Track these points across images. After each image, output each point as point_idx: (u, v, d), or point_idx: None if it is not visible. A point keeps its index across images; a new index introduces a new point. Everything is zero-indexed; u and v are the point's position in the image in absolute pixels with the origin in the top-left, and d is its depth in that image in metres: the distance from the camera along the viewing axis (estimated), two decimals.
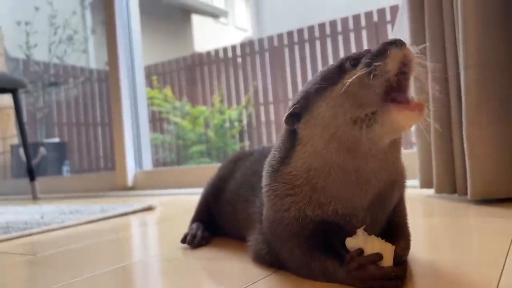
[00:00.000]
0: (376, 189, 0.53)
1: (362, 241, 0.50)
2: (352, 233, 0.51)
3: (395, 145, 0.53)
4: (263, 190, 0.59)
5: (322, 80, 0.53)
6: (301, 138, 0.54)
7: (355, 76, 0.48)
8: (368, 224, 0.53)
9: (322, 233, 0.54)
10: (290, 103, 0.57)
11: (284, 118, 0.55)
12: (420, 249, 0.63)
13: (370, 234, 0.51)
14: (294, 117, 0.55)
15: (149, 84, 3.97)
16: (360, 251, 0.49)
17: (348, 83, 0.48)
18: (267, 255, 0.60)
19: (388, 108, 0.47)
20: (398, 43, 0.48)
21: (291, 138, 0.56)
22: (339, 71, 0.52)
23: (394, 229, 0.57)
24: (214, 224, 0.85)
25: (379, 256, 0.48)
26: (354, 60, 0.51)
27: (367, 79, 0.48)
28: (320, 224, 0.54)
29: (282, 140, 0.58)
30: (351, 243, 0.51)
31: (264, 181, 0.59)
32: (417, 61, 0.50)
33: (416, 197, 1.22)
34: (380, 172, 0.52)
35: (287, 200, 0.55)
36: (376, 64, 0.48)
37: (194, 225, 0.84)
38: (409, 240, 0.58)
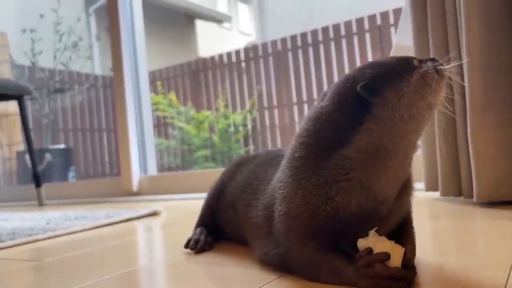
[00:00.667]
0: (403, 180, 0.56)
1: (372, 242, 0.50)
2: (365, 235, 0.51)
3: None
4: (287, 184, 0.55)
5: (396, 65, 0.55)
6: (374, 115, 0.52)
7: (432, 67, 0.56)
8: (390, 219, 0.55)
9: (335, 234, 0.53)
10: (357, 73, 0.58)
11: (359, 87, 0.53)
12: (426, 252, 0.63)
13: (385, 233, 0.51)
14: (368, 90, 0.52)
15: (154, 89, 3.99)
16: (369, 250, 0.49)
17: (428, 73, 0.55)
18: (274, 256, 0.59)
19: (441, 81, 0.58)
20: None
21: (353, 117, 0.52)
22: (407, 64, 0.55)
23: (402, 233, 0.57)
24: (218, 229, 0.84)
25: (387, 255, 0.48)
26: (418, 61, 0.56)
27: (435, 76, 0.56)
28: (340, 224, 0.52)
29: (328, 122, 0.54)
30: (362, 243, 0.51)
31: (294, 174, 0.55)
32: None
33: (422, 200, 1.21)
34: (409, 164, 0.56)
35: (334, 187, 0.52)
36: (441, 67, 0.57)
37: (198, 230, 0.84)
38: (415, 244, 0.58)
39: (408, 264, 0.50)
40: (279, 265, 0.59)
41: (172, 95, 4.00)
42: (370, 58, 3.25)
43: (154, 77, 4.07)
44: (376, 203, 0.53)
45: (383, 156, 0.52)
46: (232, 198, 0.76)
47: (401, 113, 0.52)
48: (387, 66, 0.55)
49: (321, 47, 3.45)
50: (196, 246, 0.79)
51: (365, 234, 0.51)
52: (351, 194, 0.52)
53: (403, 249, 0.50)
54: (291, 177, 0.55)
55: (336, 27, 3.39)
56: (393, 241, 0.50)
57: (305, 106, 3.55)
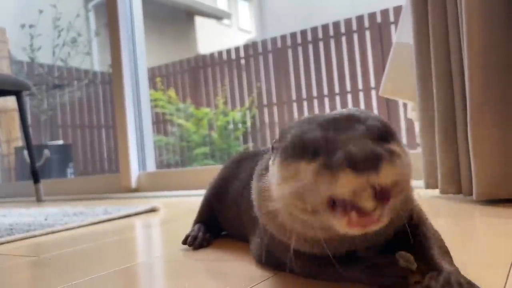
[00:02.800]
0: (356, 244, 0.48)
1: None
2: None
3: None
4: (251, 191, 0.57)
5: (292, 139, 0.45)
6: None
7: (298, 182, 0.41)
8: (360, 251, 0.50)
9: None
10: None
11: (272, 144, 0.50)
12: None
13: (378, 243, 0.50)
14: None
15: (153, 86, 3.98)
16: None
17: (294, 183, 0.42)
18: (270, 260, 0.59)
19: (332, 216, 0.40)
20: (358, 165, 0.37)
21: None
22: (303, 150, 0.42)
23: (415, 228, 0.53)
24: (216, 226, 0.84)
25: (392, 259, 0.47)
26: (315, 153, 0.41)
27: (308, 192, 0.40)
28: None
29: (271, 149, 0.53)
30: None
31: (252, 182, 0.57)
32: (392, 183, 0.39)
33: (421, 198, 1.21)
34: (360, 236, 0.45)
35: (260, 213, 0.53)
36: (317, 183, 0.39)
37: (196, 227, 0.84)
38: (439, 236, 0.55)
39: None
40: (274, 267, 0.59)
41: (172, 92, 4.00)
42: (370, 56, 3.24)
43: (153, 73, 4.06)
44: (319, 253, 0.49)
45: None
46: (233, 195, 0.76)
47: (272, 181, 0.47)
48: (290, 131, 0.46)
49: (321, 44, 3.45)
50: (194, 243, 0.78)
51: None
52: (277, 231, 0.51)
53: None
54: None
55: (336, 25, 3.38)
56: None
57: (305, 104, 3.54)
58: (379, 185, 0.37)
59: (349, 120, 0.43)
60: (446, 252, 0.51)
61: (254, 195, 0.56)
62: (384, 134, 0.42)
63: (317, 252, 0.50)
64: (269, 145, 0.57)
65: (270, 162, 0.50)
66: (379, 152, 0.38)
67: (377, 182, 0.37)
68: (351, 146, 0.38)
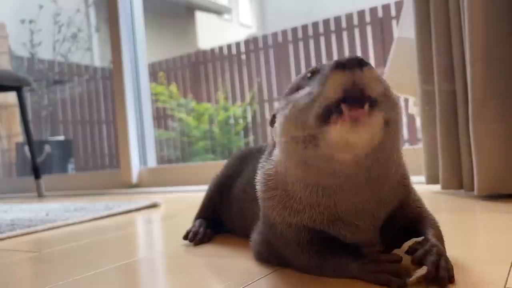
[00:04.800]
0: (356, 203, 0.50)
1: None
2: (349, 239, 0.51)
3: (379, 153, 0.46)
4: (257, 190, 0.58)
5: (289, 89, 0.51)
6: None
7: (295, 99, 0.47)
8: (361, 232, 0.51)
9: (322, 239, 0.52)
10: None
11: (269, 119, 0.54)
12: None
13: (367, 237, 0.51)
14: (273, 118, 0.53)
15: (154, 80, 3.97)
16: (377, 250, 0.50)
17: (289, 105, 0.47)
18: (270, 256, 0.59)
19: (325, 129, 0.43)
20: (344, 65, 0.43)
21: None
22: (299, 82, 0.49)
23: (418, 224, 0.55)
24: (217, 222, 0.84)
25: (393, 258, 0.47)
26: (311, 74, 0.48)
27: (305, 104, 0.45)
28: (315, 232, 0.52)
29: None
30: None
31: (257, 181, 0.58)
32: (373, 82, 0.43)
33: (422, 193, 1.20)
34: (357, 189, 0.49)
35: (268, 204, 0.55)
36: (312, 91, 0.45)
37: (197, 222, 0.84)
38: (438, 226, 0.56)
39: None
40: (276, 264, 0.59)
41: (173, 87, 3.99)
42: (371, 51, 3.23)
43: (154, 69, 4.05)
44: (319, 223, 0.51)
45: (286, 183, 0.52)
46: (236, 192, 0.76)
47: (278, 145, 0.51)
48: (291, 85, 0.52)
49: (322, 39, 3.43)
50: (195, 238, 0.78)
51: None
52: (282, 213, 0.53)
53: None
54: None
55: (338, 20, 3.37)
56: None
57: None
58: (363, 84, 0.42)
59: (342, 58, 0.47)
60: (440, 238, 0.54)
61: (260, 189, 0.56)
62: (368, 66, 0.45)
63: (323, 224, 0.51)
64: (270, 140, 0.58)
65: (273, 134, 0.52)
66: (364, 58, 0.43)
67: (362, 78, 0.42)
68: (342, 58, 0.44)
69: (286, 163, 0.50)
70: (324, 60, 3.41)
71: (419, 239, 0.51)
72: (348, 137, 0.42)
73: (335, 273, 0.51)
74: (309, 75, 0.48)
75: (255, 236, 0.63)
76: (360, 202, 0.50)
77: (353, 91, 0.42)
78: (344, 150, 0.44)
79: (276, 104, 0.56)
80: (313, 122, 0.44)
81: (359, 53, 3.25)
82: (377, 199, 0.51)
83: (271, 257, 0.59)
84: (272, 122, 0.53)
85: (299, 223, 0.52)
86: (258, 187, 0.57)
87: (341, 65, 0.43)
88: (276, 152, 0.53)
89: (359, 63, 0.43)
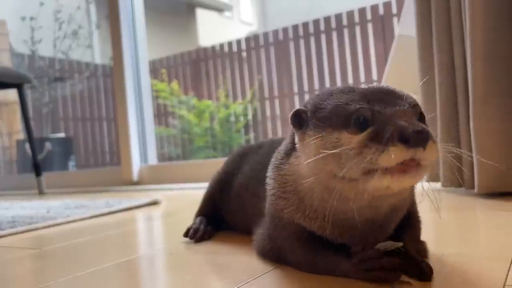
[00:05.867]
0: (369, 221, 0.50)
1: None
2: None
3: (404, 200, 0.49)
4: (266, 183, 0.58)
5: (334, 108, 0.46)
6: (296, 147, 0.52)
7: (344, 142, 0.43)
8: (367, 242, 0.51)
9: (319, 237, 0.53)
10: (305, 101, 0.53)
11: (290, 115, 0.50)
12: (427, 243, 0.62)
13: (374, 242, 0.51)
14: (299, 118, 0.49)
15: (155, 78, 3.97)
16: (362, 247, 0.49)
17: (339, 149, 0.43)
18: (270, 251, 0.59)
19: (369, 178, 0.42)
20: (409, 141, 0.40)
21: (293, 138, 0.53)
22: (347, 119, 0.44)
23: (405, 225, 0.56)
24: (218, 219, 0.84)
25: (380, 253, 0.48)
26: (362, 124, 0.43)
27: (355, 160, 0.42)
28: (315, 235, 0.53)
29: (288, 136, 0.56)
30: None
31: (268, 174, 0.58)
32: (432, 156, 0.42)
33: (422, 191, 1.20)
34: (372, 210, 0.49)
35: (279, 202, 0.55)
36: (370, 157, 0.41)
37: (198, 219, 0.84)
38: (416, 236, 0.57)
39: (408, 255, 0.49)
40: (275, 259, 0.59)
41: (175, 84, 3.99)
42: (372, 49, 3.23)
43: (154, 66, 4.05)
44: (329, 234, 0.51)
45: (303, 193, 0.51)
46: (239, 188, 0.76)
47: (306, 160, 0.48)
48: (323, 102, 0.47)
49: (323, 37, 3.43)
50: (196, 235, 0.78)
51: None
52: (293, 214, 0.53)
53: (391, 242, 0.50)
54: (267, 177, 0.58)
55: (338, 17, 3.36)
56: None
57: (306, 96, 3.53)
58: (422, 159, 0.41)
59: (389, 94, 0.45)
60: (417, 237, 0.57)
61: (272, 187, 0.56)
62: (421, 112, 0.45)
63: (332, 235, 0.51)
64: (279, 135, 0.58)
65: (298, 140, 0.50)
66: (428, 131, 0.41)
67: (423, 155, 0.40)
68: (402, 122, 0.41)
69: (312, 181, 0.48)
70: (325, 60, 3.41)
71: (397, 244, 0.50)
72: (391, 186, 0.42)
73: (327, 272, 0.51)
74: (361, 118, 0.43)
75: (259, 231, 0.63)
76: (372, 231, 0.51)
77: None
78: (380, 194, 0.45)
79: (305, 99, 0.53)
80: (359, 174, 0.43)
81: (360, 54, 3.24)
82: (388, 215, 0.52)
83: (271, 252, 0.59)
84: (295, 120, 0.50)
85: (307, 227, 0.52)
86: (271, 183, 0.56)
87: (406, 140, 0.40)
88: (299, 161, 0.50)
89: (426, 138, 0.40)
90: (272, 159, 0.59)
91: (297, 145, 0.51)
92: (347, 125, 0.44)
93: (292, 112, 0.50)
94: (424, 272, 0.47)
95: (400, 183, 0.42)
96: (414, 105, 0.44)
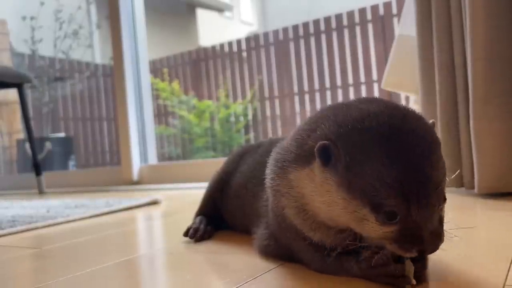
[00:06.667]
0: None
1: None
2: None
3: None
4: (267, 182, 0.57)
5: (369, 186, 0.43)
6: (311, 167, 0.50)
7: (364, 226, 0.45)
8: None
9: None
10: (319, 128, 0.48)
11: (318, 148, 0.45)
12: None
13: None
14: (329, 153, 0.45)
15: (156, 76, 3.97)
16: (373, 251, 0.48)
17: (357, 221, 0.45)
18: (274, 250, 0.59)
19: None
20: (426, 252, 0.45)
21: (306, 151, 0.50)
22: (378, 206, 0.43)
23: None
24: (218, 218, 0.84)
25: (386, 260, 0.47)
26: (391, 215, 0.43)
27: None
28: None
29: (295, 142, 0.52)
30: None
31: (268, 173, 0.57)
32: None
33: None
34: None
35: (282, 200, 0.54)
36: (383, 265, 0.46)
37: (198, 219, 0.84)
38: None
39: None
40: (279, 258, 0.59)
41: (176, 84, 3.99)
42: (372, 49, 3.23)
43: (155, 66, 4.05)
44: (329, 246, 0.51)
45: (305, 207, 0.51)
46: (238, 188, 0.76)
47: (319, 193, 0.48)
48: (369, 176, 0.43)
49: (323, 37, 3.43)
50: (196, 235, 0.78)
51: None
52: (294, 218, 0.53)
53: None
54: (267, 175, 0.58)
55: (339, 17, 3.36)
56: None
57: (306, 97, 3.53)
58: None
59: (427, 184, 0.43)
60: None
61: (276, 183, 0.54)
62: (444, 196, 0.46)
63: (331, 243, 0.50)
64: (284, 134, 0.57)
65: (317, 171, 0.47)
66: (442, 240, 0.45)
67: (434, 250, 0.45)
68: (426, 234, 0.43)
69: (324, 217, 0.49)
70: (325, 60, 3.40)
71: None
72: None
73: (338, 272, 0.51)
74: (392, 212, 0.43)
75: (260, 231, 0.63)
76: None
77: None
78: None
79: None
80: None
81: (360, 54, 3.24)
82: None
83: (275, 250, 0.59)
84: (322, 154, 0.46)
85: (306, 235, 0.52)
86: (274, 180, 0.54)
87: (422, 252, 0.44)
88: (312, 187, 0.48)
89: (438, 246, 0.45)
90: (274, 155, 0.56)
91: (313, 168, 0.48)
92: (377, 211, 0.44)
93: (320, 146, 0.45)
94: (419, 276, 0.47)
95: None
96: (443, 192, 0.46)
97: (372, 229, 0.44)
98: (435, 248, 0.44)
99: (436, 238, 0.44)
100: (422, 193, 0.43)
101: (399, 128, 0.44)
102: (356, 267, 0.49)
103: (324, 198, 0.47)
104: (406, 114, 0.46)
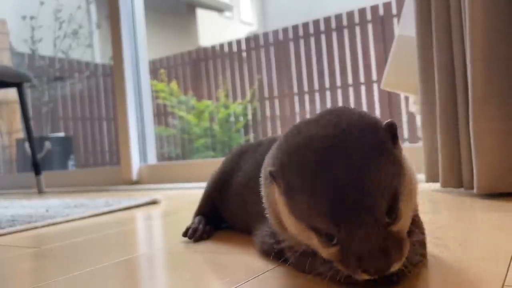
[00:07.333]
0: None
1: None
2: None
3: None
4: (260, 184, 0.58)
5: (304, 211, 0.45)
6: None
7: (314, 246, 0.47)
8: None
9: None
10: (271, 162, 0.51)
11: (264, 175, 0.53)
12: (426, 243, 0.62)
13: None
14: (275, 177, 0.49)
15: (155, 77, 3.97)
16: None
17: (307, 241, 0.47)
18: (272, 248, 0.59)
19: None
20: (375, 274, 0.42)
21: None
22: (316, 230, 0.45)
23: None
24: (217, 218, 0.84)
25: (335, 273, 0.47)
26: (329, 238, 0.44)
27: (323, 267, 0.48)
28: None
29: (266, 160, 0.56)
30: None
31: (262, 177, 0.58)
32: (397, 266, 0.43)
33: (422, 191, 1.21)
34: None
35: (273, 207, 0.54)
36: (331, 269, 0.46)
37: (197, 219, 0.84)
38: (423, 230, 0.56)
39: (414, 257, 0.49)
40: (276, 257, 0.59)
41: (174, 84, 3.99)
42: (372, 49, 3.23)
43: (154, 66, 4.05)
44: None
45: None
46: (238, 188, 0.76)
47: (280, 209, 0.50)
48: (303, 202, 0.45)
49: (323, 37, 3.43)
50: (195, 235, 0.78)
51: None
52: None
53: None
54: (262, 180, 0.58)
55: (338, 17, 3.36)
56: None
57: (306, 97, 3.53)
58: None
59: (356, 207, 0.42)
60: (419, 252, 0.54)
61: (263, 194, 0.57)
62: (392, 205, 0.44)
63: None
64: (276, 134, 0.57)
65: (276, 190, 0.50)
66: (390, 261, 0.42)
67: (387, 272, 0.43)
68: (365, 253, 0.41)
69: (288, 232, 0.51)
70: (324, 60, 3.40)
71: None
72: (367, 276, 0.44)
73: (332, 278, 0.50)
74: (328, 235, 0.44)
75: (260, 229, 0.63)
76: None
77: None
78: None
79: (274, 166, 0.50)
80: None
81: (359, 55, 3.24)
82: None
83: (273, 249, 0.59)
84: (271, 178, 0.49)
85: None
86: (262, 186, 0.57)
87: (369, 273, 0.42)
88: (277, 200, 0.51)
89: (388, 267, 0.42)
90: (266, 161, 0.58)
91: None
92: (318, 233, 0.45)
93: (268, 172, 0.49)
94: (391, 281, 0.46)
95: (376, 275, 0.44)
96: (381, 211, 0.43)
97: (320, 249, 0.46)
98: (381, 266, 0.41)
99: (379, 256, 0.41)
100: (352, 213, 0.42)
101: (330, 154, 0.44)
102: (329, 272, 0.48)
103: (286, 219, 0.49)
104: (344, 134, 0.45)
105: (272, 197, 0.53)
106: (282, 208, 0.49)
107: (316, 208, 0.44)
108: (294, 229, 0.49)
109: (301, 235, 0.48)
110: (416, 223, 0.55)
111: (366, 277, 0.42)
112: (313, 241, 0.46)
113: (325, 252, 0.45)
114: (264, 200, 0.57)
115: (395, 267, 0.42)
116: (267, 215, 0.56)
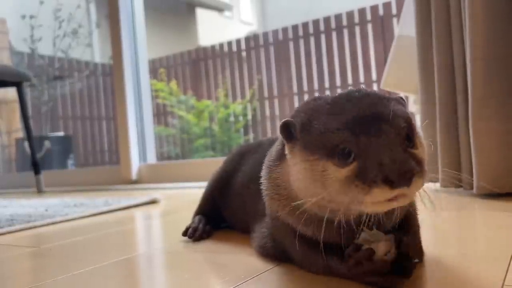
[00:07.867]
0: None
1: (369, 235, 0.49)
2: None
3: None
4: (262, 187, 0.58)
5: (320, 136, 0.45)
6: (286, 156, 0.51)
7: (329, 187, 0.44)
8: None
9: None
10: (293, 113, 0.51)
11: (280, 125, 0.50)
12: (425, 243, 0.62)
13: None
14: (288, 129, 0.49)
15: (154, 77, 3.97)
16: (356, 247, 0.48)
17: (323, 187, 0.44)
18: (271, 248, 0.60)
19: (357, 206, 0.44)
20: (393, 182, 0.41)
21: (283, 144, 0.52)
22: (332, 150, 0.44)
23: (403, 225, 0.55)
24: (217, 218, 0.84)
25: (371, 252, 0.47)
26: (347, 155, 0.43)
27: (341, 196, 0.44)
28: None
29: (279, 140, 0.55)
30: (362, 236, 0.50)
31: (262, 174, 0.58)
32: (417, 189, 0.44)
33: (421, 191, 1.20)
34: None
35: (273, 203, 0.55)
36: (356, 195, 0.42)
37: (196, 219, 0.84)
38: (416, 236, 0.56)
39: (405, 253, 0.48)
40: (276, 257, 0.59)
41: (173, 84, 3.99)
42: (372, 49, 3.23)
43: (154, 65, 4.05)
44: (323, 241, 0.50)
45: (296, 199, 0.50)
46: (238, 188, 0.76)
47: (294, 173, 0.48)
48: (314, 117, 0.47)
49: (323, 37, 3.43)
50: (195, 235, 0.78)
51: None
52: (286, 217, 0.53)
53: (389, 243, 0.48)
54: (262, 178, 0.58)
55: (338, 17, 3.36)
56: (388, 235, 0.49)
57: (306, 97, 3.53)
58: (407, 193, 0.42)
59: (376, 119, 0.43)
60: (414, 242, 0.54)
61: (266, 187, 0.56)
62: (409, 134, 0.44)
63: (326, 238, 0.50)
64: (277, 134, 0.57)
65: (287, 151, 0.50)
66: (412, 168, 0.41)
67: (406, 193, 0.42)
68: (386, 159, 0.41)
69: (304, 195, 0.48)
70: (324, 60, 3.41)
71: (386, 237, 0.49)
72: (376, 210, 0.44)
73: (328, 273, 0.51)
74: (346, 151, 0.43)
75: (258, 230, 0.63)
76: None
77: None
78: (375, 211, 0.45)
79: (292, 112, 0.51)
80: (346, 204, 0.44)
81: (359, 55, 3.24)
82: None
83: (272, 249, 0.59)
84: (284, 131, 0.49)
85: (301, 231, 0.52)
86: (265, 184, 0.56)
87: (390, 182, 0.41)
88: (290, 170, 0.50)
89: (410, 177, 0.41)
90: (265, 160, 0.58)
91: (287, 155, 0.51)
92: (333, 156, 0.44)
93: (281, 124, 0.49)
94: (407, 269, 0.47)
95: (384, 209, 0.44)
96: (401, 127, 0.44)
97: (335, 178, 0.43)
98: (404, 178, 0.40)
99: (401, 165, 0.40)
100: (371, 123, 0.43)
101: (351, 93, 0.47)
102: (343, 267, 0.49)
103: (298, 175, 0.48)
104: (363, 91, 0.48)
105: (278, 174, 0.53)
106: (292, 165, 0.48)
107: (334, 123, 0.44)
108: (306, 174, 0.46)
109: (313, 179, 0.45)
110: (412, 217, 0.57)
111: (386, 192, 0.41)
112: (327, 178, 0.44)
113: (342, 173, 0.43)
114: (266, 187, 0.56)
115: (417, 183, 0.42)
116: (268, 200, 0.56)
